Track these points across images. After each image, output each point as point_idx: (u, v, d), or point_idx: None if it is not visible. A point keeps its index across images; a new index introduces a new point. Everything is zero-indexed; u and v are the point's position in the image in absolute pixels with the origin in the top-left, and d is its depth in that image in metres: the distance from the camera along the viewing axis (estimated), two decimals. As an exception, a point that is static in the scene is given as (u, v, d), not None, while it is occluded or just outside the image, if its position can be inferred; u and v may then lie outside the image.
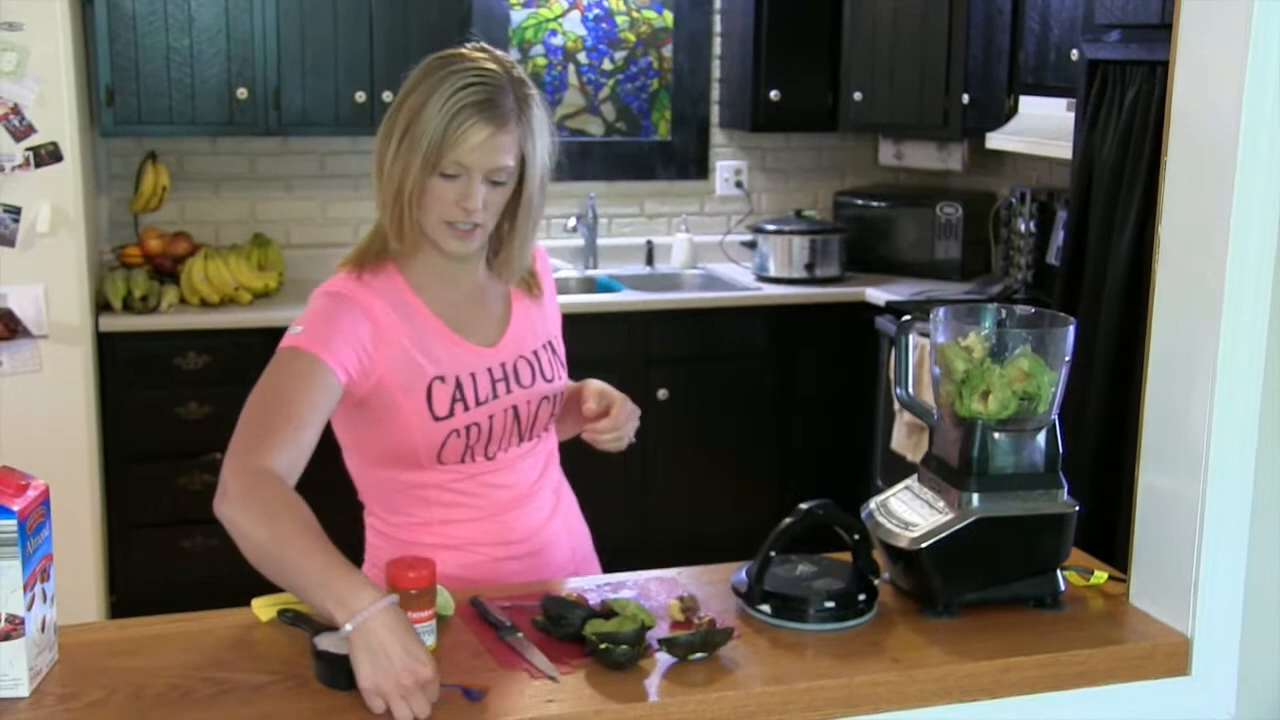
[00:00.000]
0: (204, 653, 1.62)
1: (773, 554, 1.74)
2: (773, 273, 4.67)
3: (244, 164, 4.51)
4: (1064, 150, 3.78)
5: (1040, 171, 4.55)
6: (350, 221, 4.63)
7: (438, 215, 1.80)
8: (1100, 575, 1.84)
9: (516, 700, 1.52)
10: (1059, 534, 1.74)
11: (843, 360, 4.58)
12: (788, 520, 1.74)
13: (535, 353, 1.95)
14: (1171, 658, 1.69)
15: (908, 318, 1.90)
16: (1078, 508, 1.74)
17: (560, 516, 2.01)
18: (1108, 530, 2.94)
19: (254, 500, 1.62)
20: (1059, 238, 4.26)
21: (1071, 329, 1.74)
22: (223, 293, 4.11)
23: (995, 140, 4.28)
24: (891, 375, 4.11)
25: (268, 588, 1.75)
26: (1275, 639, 1.74)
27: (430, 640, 1.57)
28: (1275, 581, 1.72)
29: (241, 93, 4.09)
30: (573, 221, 4.79)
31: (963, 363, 1.73)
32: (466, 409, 1.85)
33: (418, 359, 1.83)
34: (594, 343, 4.11)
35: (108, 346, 3.92)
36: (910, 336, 1.88)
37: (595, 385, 2.00)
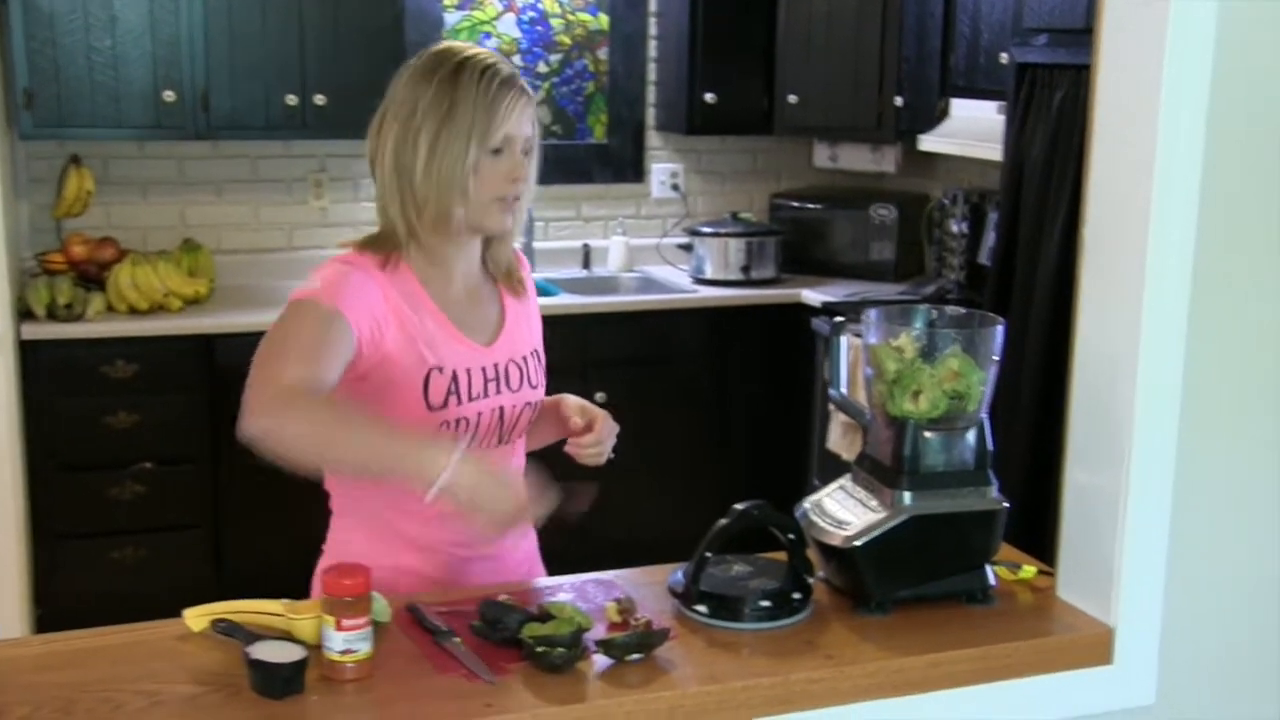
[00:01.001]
0: (135, 665, 1.61)
1: (708, 555, 1.76)
2: (709, 275, 4.70)
3: (172, 168, 4.47)
4: (995, 152, 3.84)
5: (972, 173, 4.63)
6: (284, 226, 4.61)
7: (489, 194, 1.85)
8: (1029, 570, 1.88)
9: (454, 705, 1.53)
10: (989, 530, 1.79)
11: (779, 361, 4.62)
12: (723, 521, 1.77)
13: (525, 358, 1.99)
14: (1095, 648, 1.74)
15: (840, 319, 1.94)
16: (1006, 504, 1.79)
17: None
18: (1042, 525, 2.99)
19: (287, 404, 1.66)
20: (990, 238, 4.33)
21: (1000, 329, 1.78)
22: (151, 299, 4.08)
23: (928, 142, 4.35)
24: (826, 376, 4.16)
25: (200, 598, 1.75)
26: (1194, 629, 1.79)
27: (366, 648, 1.58)
28: (1194, 574, 1.77)
29: (168, 95, 4.06)
30: (508, 225, 4.79)
31: (894, 363, 1.77)
32: (460, 403, 1.89)
33: (420, 346, 1.86)
34: (530, 347, 4.12)
35: (31, 355, 3.87)
36: (843, 338, 1.91)
37: (574, 401, 2.05)
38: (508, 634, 1.65)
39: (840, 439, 4.16)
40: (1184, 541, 1.74)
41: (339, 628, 1.56)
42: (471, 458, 1.62)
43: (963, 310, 1.87)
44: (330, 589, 1.58)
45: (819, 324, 4.37)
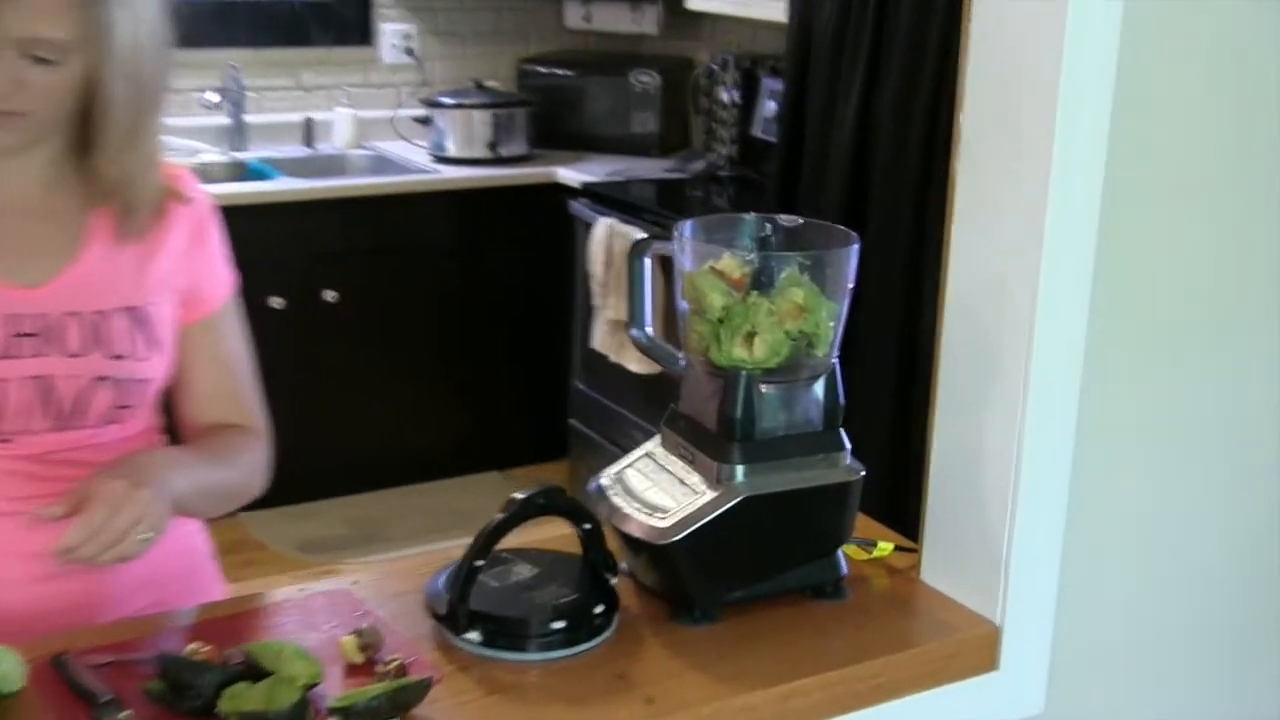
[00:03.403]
0: None
1: (478, 564, 1.32)
2: (452, 152, 4.20)
3: None
4: (771, 12, 3.45)
5: (742, 36, 4.22)
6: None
7: None
8: (885, 546, 1.51)
9: (119, 827, 1.06)
10: (842, 508, 1.40)
11: (536, 249, 4.18)
12: (499, 517, 1.32)
13: (104, 313, 1.46)
14: (978, 653, 1.39)
15: (643, 237, 1.49)
16: (863, 472, 1.40)
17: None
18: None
19: None
20: (766, 108, 3.98)
21: (855, 249, 1.37)
22: None
23: (695, 0, 3.93)
24: (590, 270, 3.74)
25: None
26: (1088, 623, 1.46)
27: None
28: (1093, 560, 1.43)
29: None
30: (214, 96, 4.16)
31: (721, 296, 1.35)
32: None
33: None
34: (248, 241, 3.50)
35: None
36: (646, 260, 1.47)
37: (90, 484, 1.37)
38: (200, 702, 1.18)
39: (607, 338, 3.76)
40: (1083, 516, 1.40)
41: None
42: None
43: (799, 220, 1.45)
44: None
45: (578, 207, 3.92)
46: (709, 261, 1.38)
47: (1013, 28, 1.29)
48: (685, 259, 1.40)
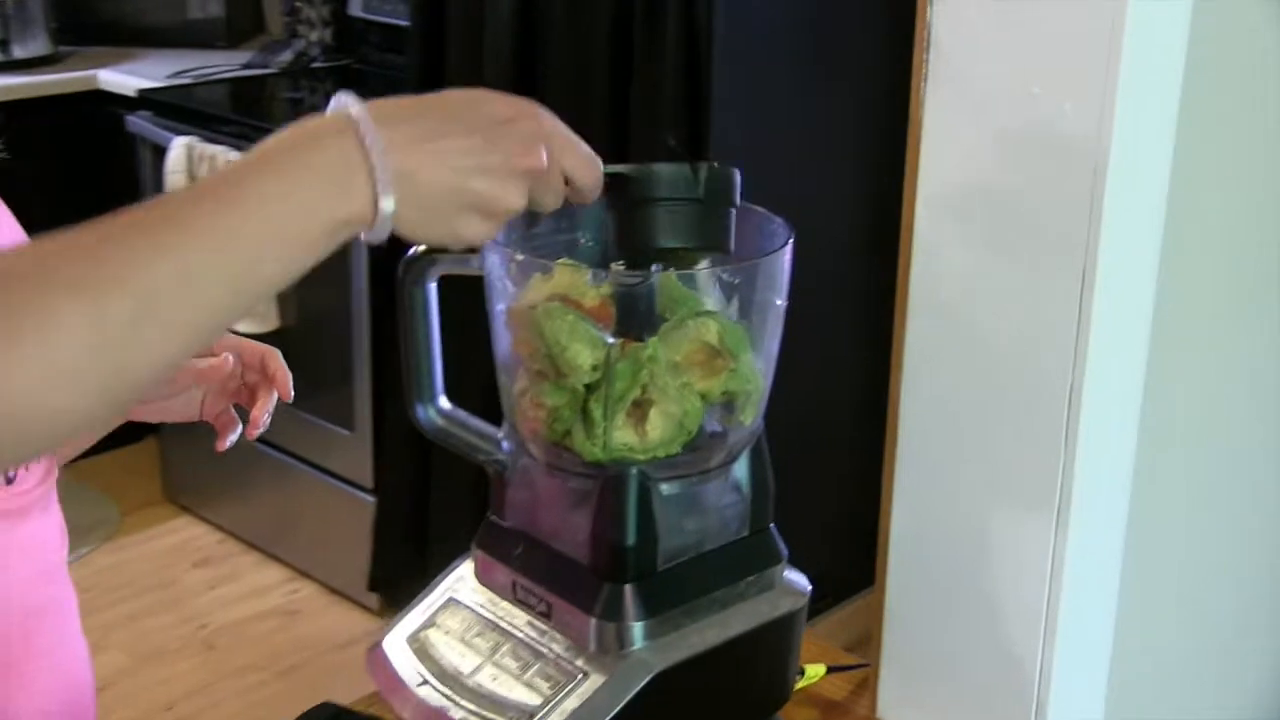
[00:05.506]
0: None
1: None
2: (-53, 57, 3.37)
3: None
4: None
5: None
6: None
7: None
8: (815, 670, 1.07)
9: None
10: (785, 651, 0.95)
11: (81, 181, 3.42)
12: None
13: None
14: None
15: (417, 251, 0.92)
16: (809, 590, 0.95)
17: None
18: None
19: None
20: (365, -20, 3.39)
21: (789, 246, 0.89)
22: None
23: None
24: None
25: None
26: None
27: None
28: (1138, 674, 1.05)
29: None
30: None
31: (590, 348, 0.83)
32: None
33: None
34: None
35: None
36: (428, 288, 0.92)
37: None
38: None
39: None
40: (1128, 634, 1.00)
41: None
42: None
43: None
44: None
45: (138, 123, 3.19)
46: (534, 276, 0.87)
47: None
48: (503, 282, 0.88)
